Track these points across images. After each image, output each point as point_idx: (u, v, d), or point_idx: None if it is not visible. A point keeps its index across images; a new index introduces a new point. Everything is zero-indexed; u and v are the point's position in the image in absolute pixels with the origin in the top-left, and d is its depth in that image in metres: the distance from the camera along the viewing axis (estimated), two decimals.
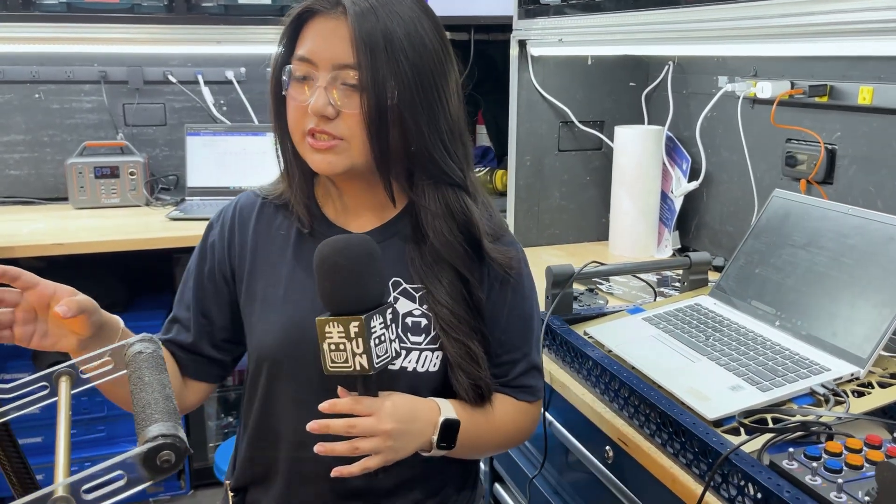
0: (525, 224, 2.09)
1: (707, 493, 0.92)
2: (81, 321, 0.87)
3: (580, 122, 2.05)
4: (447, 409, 0.98)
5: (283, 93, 0.97)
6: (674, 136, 1.97)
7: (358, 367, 0.87)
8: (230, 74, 2.65)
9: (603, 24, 1.64)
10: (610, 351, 1.25)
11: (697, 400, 1.05)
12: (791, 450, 0.89)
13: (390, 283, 1.01)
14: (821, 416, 0.99)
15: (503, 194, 2.53)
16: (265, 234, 1.05)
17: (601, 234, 2.13)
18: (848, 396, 1.03)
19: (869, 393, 1.05)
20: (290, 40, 0.97)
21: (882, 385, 1.06)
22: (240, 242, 1.06)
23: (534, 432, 1.13)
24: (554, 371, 1.30)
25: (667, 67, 1.99)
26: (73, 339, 0.89)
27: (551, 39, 1.84)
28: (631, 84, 2.10)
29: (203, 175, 2.53)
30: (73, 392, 0.70)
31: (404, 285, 1.01)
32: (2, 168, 2.54)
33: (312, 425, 0.89)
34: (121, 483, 0.53)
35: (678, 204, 1.95)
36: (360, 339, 0.86)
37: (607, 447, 1.17)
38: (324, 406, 0.90)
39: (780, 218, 1.33)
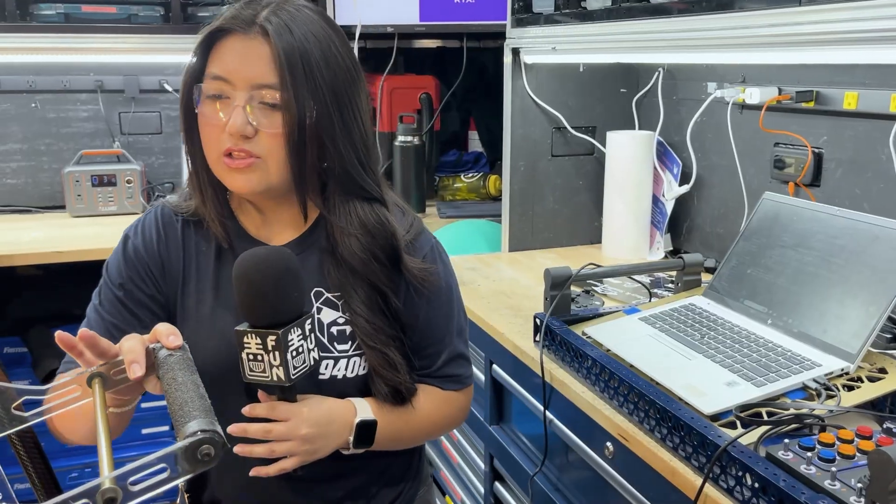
0: (519, 228, 2.13)
1: (706, 485, 0.96)
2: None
3: (573, 127, 2.09)
4: (364, 409, 1.03)
5: (196, 110, 0.98)
6: (664, 141, 2.02)
7: (275, 379, 0.90)
8: None
9: (594, 32, 1.69)
10: (608, 350, 1.28)
11: (694, 395, 1.09)
12: (786, 441, 0.93)
13: (312, 294, 1.04)
14: (814, 409, 1.03)
15: (496, 199, 2.58)
16: (191, 251, 1.05)
17: (594, 237, 2.18)
18: (839, 390, 1.08)
19: (858, 387, 1.09)
20: (202, 58, 0.98)
21: (871, 379, 1.11)
22: (171, 258, 1.04)
23: (466, 418, 1.19)
24: (553, 370, 1.33)
25: (657, 74, 2.04)
26: None
27: (544, 47, 1.89)
28: (622, 90, 2.15)
29: None
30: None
31: (326, 295, 1.05)
32: None
33: (232, 428, 0.93)
34: (164, 476, 0.57)
35: (669, 207, 2.00)
36: (277, 353, 0.88)
37: (608, 443, 1.20)
38: (245, 410, 0.95)
39: (770, 220, 1.38)
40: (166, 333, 0.76)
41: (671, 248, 2.06)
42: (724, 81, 1.81)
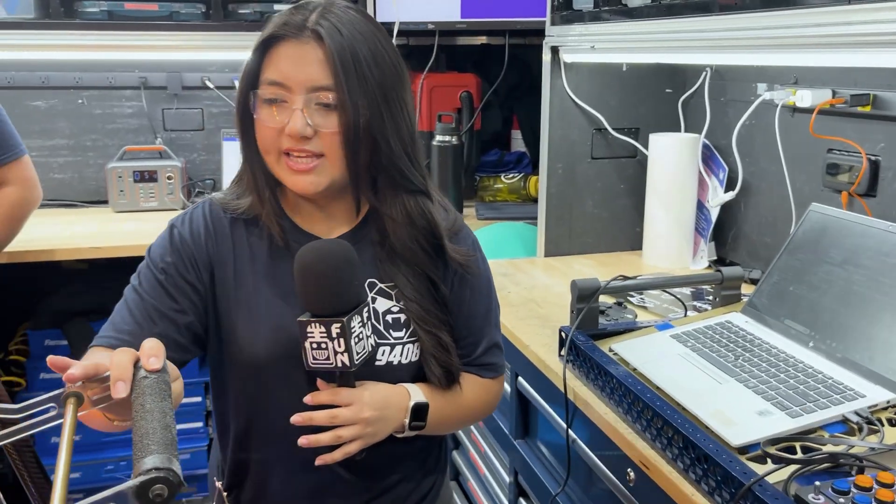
0: (556, 232, 2.06)
1: None
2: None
3: (614, 129, 2.01)
4: (416, 393, 1.07)
5: (254, 115, 1.00)
6: (710, 145, 1.92)
7: (340, 365, 0.94)
8: None
9: (637, 31, 1.61)
10: (635, 369, 1.21)
11: (722, 425, 1.02)
12: (818, 483, 0.85)
13: (367, 284, 1.07)
14: (852, 447, 0.94)
15: (537, 201, 2.51)
16: (242, 247, 1.07)
17: (635, 243, 2.09)
18: (883, 425, 0.99)
19: None
20: (256, 64, 1.00)
21: None
22: (221, 252, 1.06)
23: (498, 404, 1.23)
24: (577, 388, 1.27)
25: (704, 74, 1.94)
26: None
27: (584, 46, 1.81)
28: (667, 91, 2.05)
29: None
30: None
31: (380, 285, 1.08)
32: (46, 172, 2.59)
33: (296, 418, 0.98)
34: None
35: (714, 214, 1.90)
36: (341, 340, 0.92)
37: (629, 469, 1.14)
38: (307, 398, 0.99)
39: (817, 233, 1.29)
40: (148, 354, 0.72)
41: (715, 257, 1.96)
42: (775, 82, 1.71)
